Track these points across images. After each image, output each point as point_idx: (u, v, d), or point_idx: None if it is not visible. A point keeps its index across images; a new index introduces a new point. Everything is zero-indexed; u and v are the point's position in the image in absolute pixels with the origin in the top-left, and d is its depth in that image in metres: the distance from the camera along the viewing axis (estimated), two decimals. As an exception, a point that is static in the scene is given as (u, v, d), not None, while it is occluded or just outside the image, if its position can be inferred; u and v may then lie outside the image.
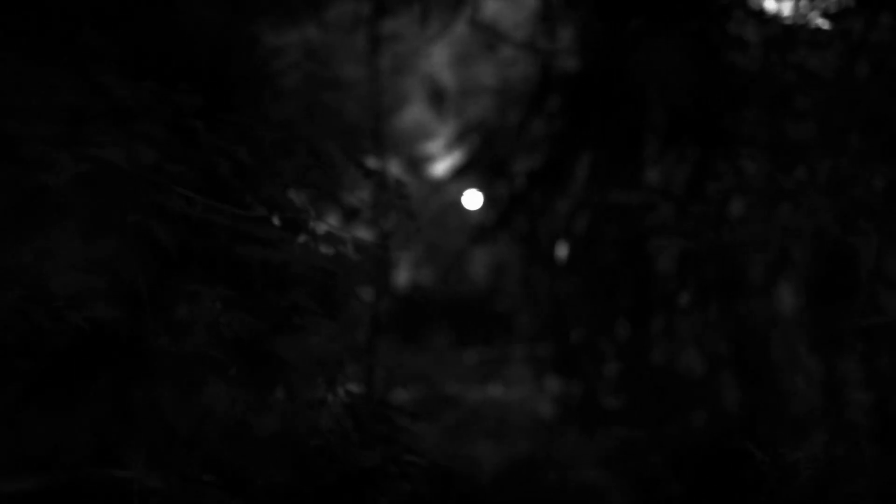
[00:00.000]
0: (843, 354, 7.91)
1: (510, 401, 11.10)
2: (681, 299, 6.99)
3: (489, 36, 10.66)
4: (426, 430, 10.20)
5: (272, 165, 2.68)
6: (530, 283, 8.17)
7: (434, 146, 16.95)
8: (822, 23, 7.06)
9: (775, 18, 6.94)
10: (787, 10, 6.75)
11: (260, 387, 2.46)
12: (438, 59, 21.22)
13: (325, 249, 2.80)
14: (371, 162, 15.07)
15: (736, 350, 7.08)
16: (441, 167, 17.09)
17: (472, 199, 15.19)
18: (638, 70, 6.68)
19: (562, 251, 7.94)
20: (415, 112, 19.51)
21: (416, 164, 17.30)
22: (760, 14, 6.89)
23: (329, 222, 2.95)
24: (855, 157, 7.05)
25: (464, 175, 14.91)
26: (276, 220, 2.71)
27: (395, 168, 17.29)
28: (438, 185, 17.31)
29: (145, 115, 2.56)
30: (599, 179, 7.39)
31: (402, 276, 19.08)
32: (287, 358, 2.43)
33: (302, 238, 2.76)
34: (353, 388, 2.87)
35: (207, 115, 2.92)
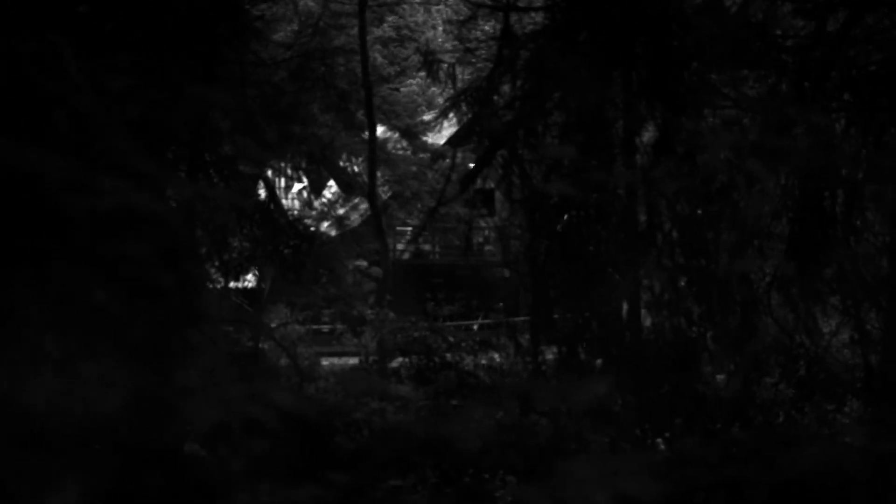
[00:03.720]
0: (826, 311, 7.70)
1: (503, 366, 11.04)
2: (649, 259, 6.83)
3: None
4: (419, 395, 10.13)
5: (114, 114, 2.56)
6: (508, 248, 8.03)
7: (430, 114, 16.75)
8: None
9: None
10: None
11: (87, 347, 2.36)
12: (434, 27, 20.95)
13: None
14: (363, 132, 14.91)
15: (708, 309, 6.90)
16: (437, 135, 16.94)
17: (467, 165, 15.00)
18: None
19: (537, 214, 7.78)
20: (412, 80, 19.37)
21: (413, 133, 17.17)
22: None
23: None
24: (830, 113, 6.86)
25: (456, 142, 14.70)
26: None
27: (391, 137, 17.19)
28: (435, 153, 17.17)
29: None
30: (569, 137, 7.22)
31: (403, 245, 19.02)
32: (116, 313, 2.32)
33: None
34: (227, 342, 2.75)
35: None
